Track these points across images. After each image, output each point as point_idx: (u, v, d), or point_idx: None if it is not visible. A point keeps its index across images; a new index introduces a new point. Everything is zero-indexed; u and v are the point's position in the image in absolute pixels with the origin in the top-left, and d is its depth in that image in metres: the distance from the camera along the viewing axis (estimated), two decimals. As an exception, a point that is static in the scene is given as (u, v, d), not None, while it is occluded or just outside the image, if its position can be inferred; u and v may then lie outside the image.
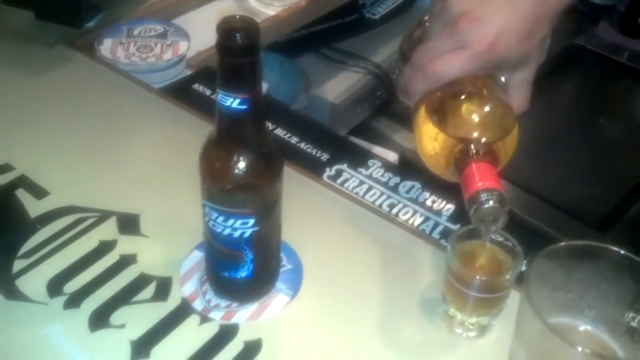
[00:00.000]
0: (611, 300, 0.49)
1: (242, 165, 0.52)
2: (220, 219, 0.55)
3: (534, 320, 0.45)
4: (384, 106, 1.33)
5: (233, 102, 0.49)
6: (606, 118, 1.48)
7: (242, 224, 0.55)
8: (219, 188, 0.54)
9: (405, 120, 1.31)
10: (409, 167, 1.02)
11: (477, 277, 0.55)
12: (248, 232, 0.55)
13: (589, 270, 0.49)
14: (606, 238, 1.14)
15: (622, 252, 0.48)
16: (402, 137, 1.30)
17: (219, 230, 0.55)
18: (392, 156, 1.14)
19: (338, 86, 1.22)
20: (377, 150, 1.14)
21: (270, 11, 1.07)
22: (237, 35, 0.47)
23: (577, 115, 1.47)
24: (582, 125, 1.43)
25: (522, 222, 1.13)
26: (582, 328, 0.50)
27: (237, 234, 0.55)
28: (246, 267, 0.58)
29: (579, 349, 0.44)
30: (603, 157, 1.34)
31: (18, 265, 0.63)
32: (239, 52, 0.48)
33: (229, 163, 0.52)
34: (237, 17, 0.48)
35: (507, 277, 0.55)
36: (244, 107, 0.50)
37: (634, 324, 0.48)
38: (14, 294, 0.60)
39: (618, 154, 1.37)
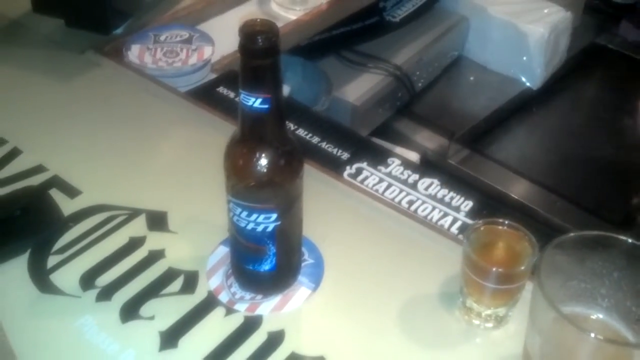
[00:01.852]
0: (624, 289, 0.50)
1: (264, 162, 0.55)
2: (244, 214, 0.57)
3: (547, 309, 0.46)
4: (405, 107, 1.35)
5: (255, 101, 0.52)
6: (629, 116, 1.48)
7: (265, 218, 0.57)
8: (243, 184, 0.56)
9: (425, 121, 1.34)
10: (430, 167, 1.03)
11: (494, 269, 0.57)
12: (271, 227, 0.58)
13: (601, 260, 0.50)
14: (628, 235, 1.15)
15: (630, 241, 0.49)
16: (423, 138, 1.32)
17: (243, 225, 0.58)
18: (413, 156, 1.16)
19: (359, 88, 1.24)
20: (399, 150, 1.16)
21: (292, 15, 1.09)
22: (258, 37, 0.50)
23: (599, 114, 1.47)
24: (605, 124, 1.44)
25: (545, 220, 1.15)
26: (595, 317, 0.52)
27: (260, 228, 0.58)
28: (269, 261, 0.60)
29: (592, 335, 0.45)
30: (625, 155, 1.35)
31: (52, 260, 0.66)
32: (260, 53, 0.50)
33: (252, 160, 0.55)
34: (258, 20, 0.51)
35: (523, 268, 0.57)
36: (265, 106, 0.52)
37: (646, 311, 0.49)
38: (48, 288, 0.63)
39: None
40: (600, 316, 0.51)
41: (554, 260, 0.50)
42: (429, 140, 1.31)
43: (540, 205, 1.17)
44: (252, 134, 0.55)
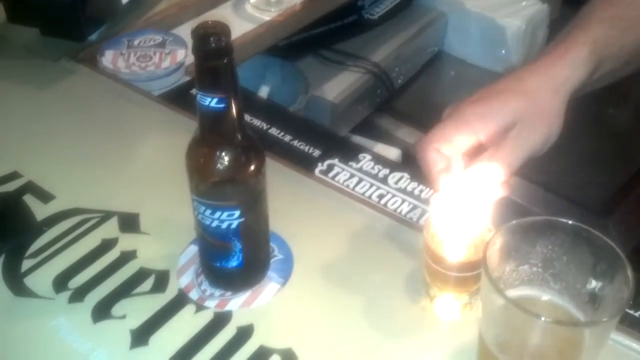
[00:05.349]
0: (573, 272, 0.51)
1: (223, 160, 0.56)
2: (208, 212, 0.58)
3: (495, 295, 0.48)
4: (385, 104, 1.36)
5: (211, 101, 0.53)
6: (609, 106, 1.49)
7: (229, 215, 0.58)
8: (204, 183, 0.58)
9: (406, 117, 1.35)
10: (412, 163, 1.04)
11: (452, 257, 0.58)
12: (235, 224, 0.59)
13: (550, 244, 0.51)
14: (608, 223, 1.17)
15: (570, 222, 0.50)
16: (404, 134, 1.33)
17: (207, 222, 0.59)
18: (394, 152, 1.17)
19: (338, 86, 1.26)
20: (380, 147, 1.17)
21: (266, 16, 1.10)
22: (210, 39, 0.51)
23: (578, 104, 1.48)
24: (584, 114, 1.45)
25: (523, 210, 1.16)
26: (547, 301, 0.53)
27: (224, 225, 0.59)
28: (236, 257, 0.62)
29: (542, 319, 0.47)
30: (605, 144, 1.36)
31: (26, 264, 0.67)
32: (212, 54, 0.51)
33: (210, 159, 0.56)
34: (210, 22, 0.52)
35: (481, 255, 0.58)
36: (222, 105, 0.53)
37: (594, 290, 0.50)
38: (23, 291, 0.65)
39: (621, 140, 1.38)
40: (553, 299, 0.52)
41: (505, 246, 0.51)
42: (410, 135, 1.32)
43: (520, 196, 1.18)
44: (211, 133, 0.56)
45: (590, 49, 0.62)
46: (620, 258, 0.48)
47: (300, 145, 0.85)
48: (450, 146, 0.61)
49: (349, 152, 0.84)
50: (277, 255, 0.68)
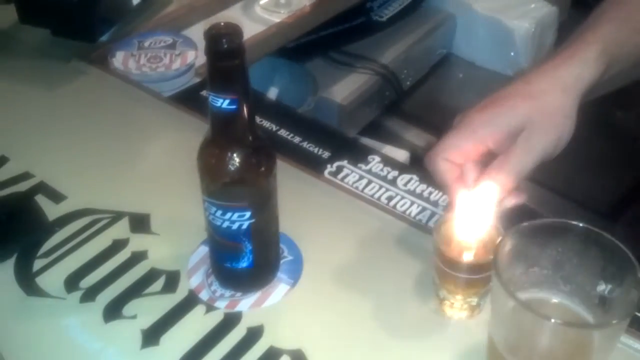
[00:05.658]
0: (583, 274, 0.51)
1: (234, 161, 0.56)
2: (219, 212, 0.59)
3: (505, 297, 0.48)
4: (393, 106, 1.37)
5: (223, 102, 0.53)
6: (616, 108, 1.49)
7: (239, 216, 0.59)
8: (215, 184, 0.58)
9: (415, 119, 1.35)
10: (421, 165, 1.04)
11: (462, 259, 0.58)
12: (245, 225, 0.59)
13: (560, 247, 0.52)
14: (616, 226, 1.16)
15: (581, 225, 0.50)
16: (413, 136, 1.33)
17: (218, 223, 0.59)
18: (402, 154, 1.17)
19: (346, 88, 1.26)
20: (388, 149, 1.17)
21: (276, 18, 1.11)
22: (222, 40, 0.51)
23: (586, 107, 1.48)
24: (592, 117, 1.44)
25: (531, 212, 1.16)
26: (557, 303, 0.53)
27: (235, 226, 0.59)
28: (246, 258, 0.62)
29: (552, 320, 0.47)
30: (612, 147, 1.36)
31: (38, 264, 0.67)
32: (224, 55, 0.52)
33: (222, 160, 0.56)
34: (222, 24, 0.53)
35: (492, 257, 0.58)
36: (234, 106, 0.54)
37: (604, 293, 0.50)
38: (34, 291, 0.65)
39: (629, 143, 1.38)
40: (563, 301, 0.53)
41: (515, 248, 0.51)
42: (419, 137, 1.33)
43: (527, 198, 1.18)
44: (222, 134, 0.56)
45: (600, 49, 0.61)
46: (630, 261, 0.49)
47: (309, 147, 0.85)
48: (460, 155, 0.61)
49: (358, 154, 0.84)
50: (287, 257, 0.68)
